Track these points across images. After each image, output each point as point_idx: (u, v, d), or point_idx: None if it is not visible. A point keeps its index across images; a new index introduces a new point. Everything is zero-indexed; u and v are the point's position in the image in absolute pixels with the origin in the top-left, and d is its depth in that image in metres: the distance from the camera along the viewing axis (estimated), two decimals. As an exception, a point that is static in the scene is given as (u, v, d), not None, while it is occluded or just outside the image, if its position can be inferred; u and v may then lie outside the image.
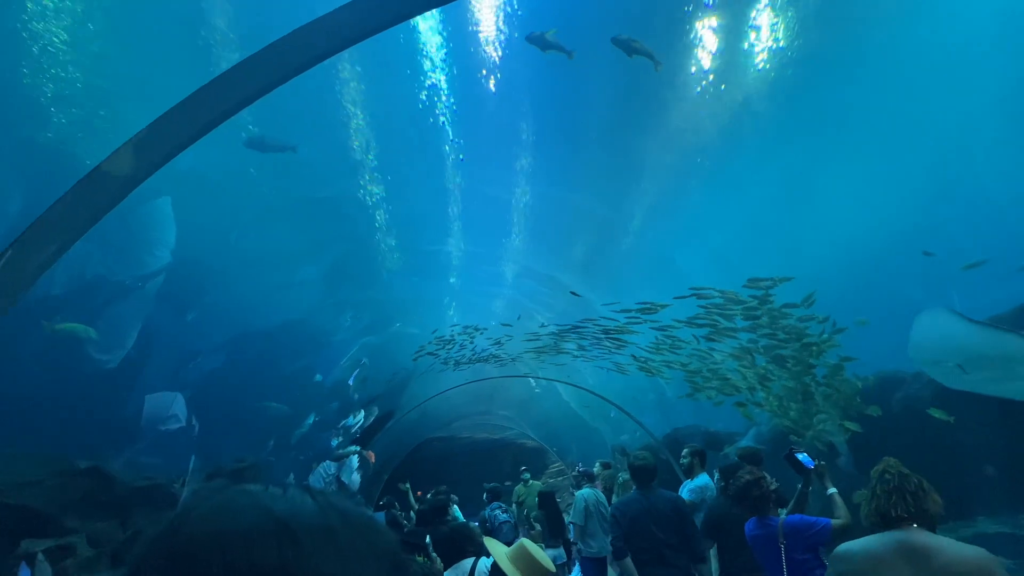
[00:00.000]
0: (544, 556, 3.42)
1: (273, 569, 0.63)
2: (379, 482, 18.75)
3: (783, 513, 4.91)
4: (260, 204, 8.83)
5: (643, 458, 6.09)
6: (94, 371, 7.74)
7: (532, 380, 17.18)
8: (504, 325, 13.00)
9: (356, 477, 14.35)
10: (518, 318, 12.51)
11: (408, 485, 13.59)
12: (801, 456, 4.94)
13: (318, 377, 12.65)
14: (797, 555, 4.43)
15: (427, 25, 7.35)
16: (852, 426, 8.90)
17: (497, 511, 11.73)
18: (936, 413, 7.90)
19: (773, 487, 4.88)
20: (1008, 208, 8.37)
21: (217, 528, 0.67)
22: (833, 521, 4.48)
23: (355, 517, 0.74)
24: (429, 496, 13.00)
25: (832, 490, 4.79)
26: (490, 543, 3.42)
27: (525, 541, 3.49)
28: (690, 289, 9.91)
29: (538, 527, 8.27)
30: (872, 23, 7.31)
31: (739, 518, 5.30)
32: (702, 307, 10.19)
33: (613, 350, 12.94)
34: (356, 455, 14.34)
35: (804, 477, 5.00)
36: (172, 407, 8.87)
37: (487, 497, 12.30)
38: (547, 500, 10.31)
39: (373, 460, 16.91)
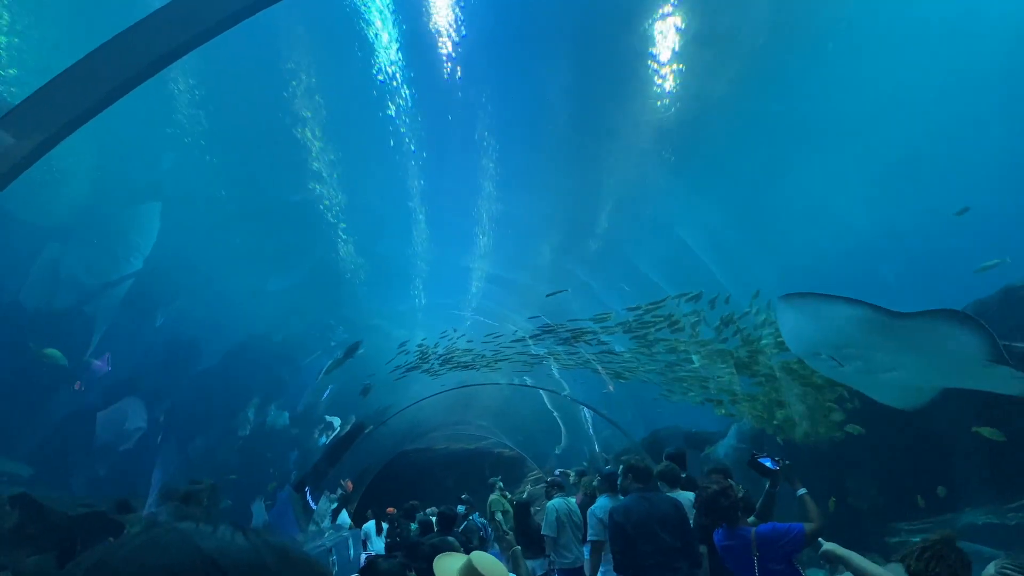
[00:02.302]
0: (498, 565, 3.26)
1: None
2: (352, 499, 18.31)
3: (751, 519, 4.81)
4: (219, 214, 8.44)
5: (641, 459, 6.02)
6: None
7: (508, 387, 16.89)
8: (494, 337, 12.78)
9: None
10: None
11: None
12: (764, 460, 4.93)
13: (284, 411, 12.28)
14: (772, 565, 4.27)
15: (380, 22, 7.08)
16: (854, 429, 8.60)
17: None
18: (986, 432, 7.37)
19: (740, 494, 4.79)
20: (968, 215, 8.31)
21: (143, 568, 0.65)
22: (806, 525, 4.30)
23: (291, 554, 0.72)
24: (397, 512, 12.78)
25: (802, 491, 4.64)
26: (441, 561, 3.11)
27: (475, 554, 3.27)
28: (627, 309, 10.67)
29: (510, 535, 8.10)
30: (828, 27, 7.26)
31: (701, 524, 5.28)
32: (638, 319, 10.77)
33: (587, 355, 12.78)
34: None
35: (771, 479, 4.90)
36: (129, 423, 8.39)
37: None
38: (522, 511, 9.95)
39: (351, 488, 16.60)
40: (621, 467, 6.23)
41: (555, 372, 14.56)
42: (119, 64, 2.12)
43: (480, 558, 3.22)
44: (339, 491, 16.86)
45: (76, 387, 7.41)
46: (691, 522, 5.64)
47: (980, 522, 7.31)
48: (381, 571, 3.41)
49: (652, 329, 11.00)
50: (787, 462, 4.91)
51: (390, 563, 3.53)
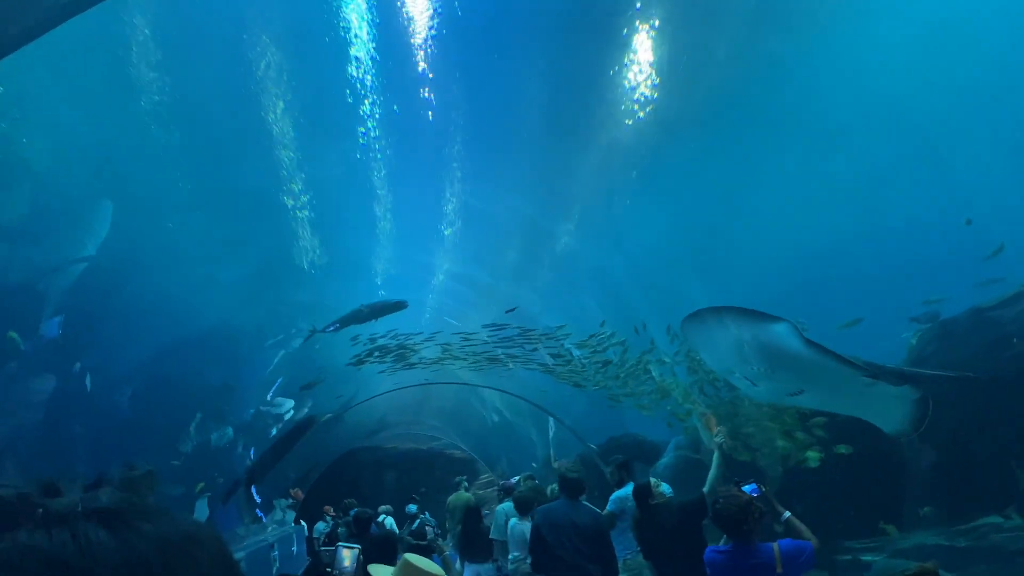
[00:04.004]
0: (432, 565, 3.30)
1: None
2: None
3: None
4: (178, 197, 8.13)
5: (575, 470, 6.17)
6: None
7: (463, 388, 16.75)
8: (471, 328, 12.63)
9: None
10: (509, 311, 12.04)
11: None
12: (747, 487, 4.78)
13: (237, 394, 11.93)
14: None
15: (354, 14, 6.93)
16: (844, 449, 8.50)
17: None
18: (842, 448, 7.99)
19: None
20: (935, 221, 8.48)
21: None
22: (813, 542, 4.28)
23: (173, 538, 0.65)
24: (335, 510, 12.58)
25: (787, 514, 4.65)
26: (374, 569, 3.05)
27: (408, 556, 3.32)
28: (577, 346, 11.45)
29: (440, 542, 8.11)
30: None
31: (666, 532, 5.50)
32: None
33: (545, 359, 12.76)
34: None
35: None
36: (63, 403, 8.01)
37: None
38: (472, 515, 9.80)
39: (301, 497, 16.32)
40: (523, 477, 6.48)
41: (512, 374, 14.48)
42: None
43: (414, 557, 3.28)
44: (290, 501, 16.62)
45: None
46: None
47: (930, 543, 7.42)
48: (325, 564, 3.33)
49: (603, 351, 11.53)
50: (765, 487, 4.86)
51: None
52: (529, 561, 6.20)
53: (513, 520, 7.70)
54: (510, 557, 7.39)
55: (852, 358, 6.90)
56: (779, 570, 4.07)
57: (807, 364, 6.91)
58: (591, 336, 11.52)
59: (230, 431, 12.14)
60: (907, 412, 7.11)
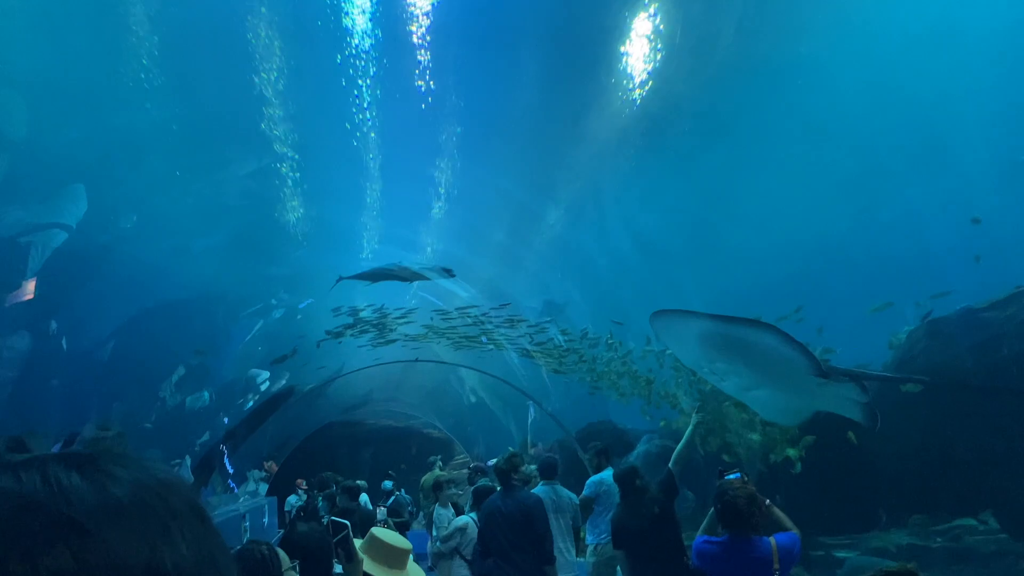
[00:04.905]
0: (398, 538, 3.34)
1: (72, 571, 0.53)
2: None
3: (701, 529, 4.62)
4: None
5: (516, 457, 6.43)
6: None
7: (443, 367, 16.67)
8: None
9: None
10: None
11: None
12: (732, 476, 4.67)
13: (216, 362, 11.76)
14: None
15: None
16: (804, 442, 8.59)
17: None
18: (791, 452, 8.23)
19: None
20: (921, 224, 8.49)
21: None
22: (796, 532, 4.19)
23: (147, 483, 0.62)
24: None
25: (767, 501, 4.49)
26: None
27: (375, 530, 3.36)
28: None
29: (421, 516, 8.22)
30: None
31: (642, 526, 5.49)
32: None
33: (526, 344, 12.70)
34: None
35: None
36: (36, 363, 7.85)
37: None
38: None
39: (275, 470, 16.20)
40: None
41: (493, 356, 14.42)
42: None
43: (381, 531, 3.33)
44: (263, 473, 16.52)
45: None
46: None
47: (904, 543, 7.43)
48: (300, 533, 3.21)
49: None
50: (746, 476, 4.69)
51: (310, 526, 3.33)
52: None
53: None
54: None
55: (820, 358, 6.94)
56: (776, 566, 3.93)
57: (765, 359, 6.93)
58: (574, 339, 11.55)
59: (205, 397, 12.00)
60: (857, 414, 7.18)
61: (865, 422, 7.16)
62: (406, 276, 10.45)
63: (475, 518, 6.84)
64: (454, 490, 9.25)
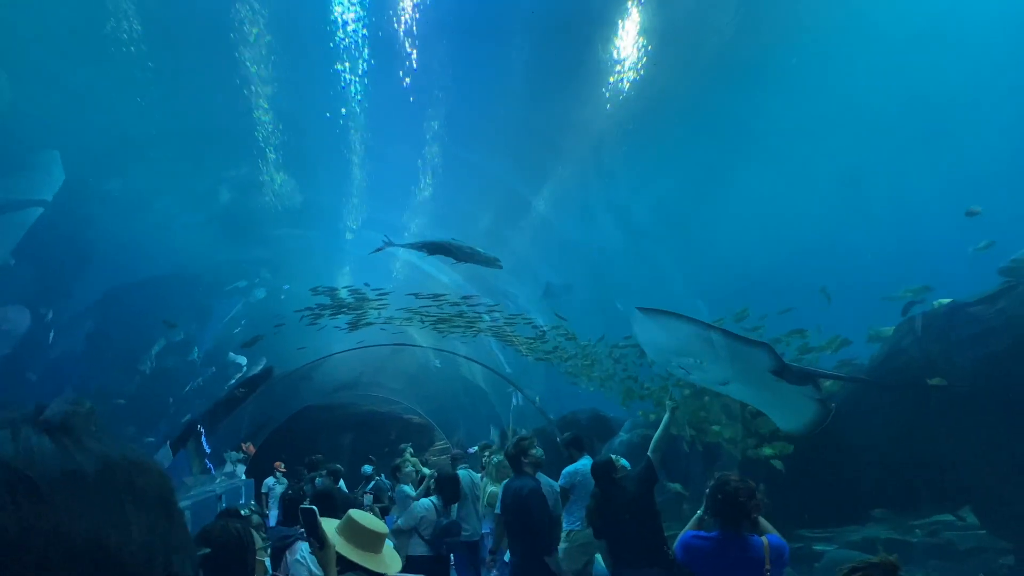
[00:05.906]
0: (375, 521, 3.34)
1: (13, 532, 0.53)
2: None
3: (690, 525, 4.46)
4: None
5: (527, 440, 6.44)
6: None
7: (425, 351, 16.58)
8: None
9: None
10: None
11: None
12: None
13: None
14: None
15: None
16: (782, 448, 8.58)
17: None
18: (767, 451, 8.41)
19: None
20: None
21: None
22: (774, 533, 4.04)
23: (115, 458, 0.62)
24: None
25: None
26: (325, 522, 3.01)
27: (352, 512, 3.31)
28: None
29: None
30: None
31: (619, 517, 5.53)
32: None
33: (507, 331, 12.65)
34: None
35: None
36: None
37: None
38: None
39: (253, 452, 16.02)
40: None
41: (475, 343, 14.34)
42: None
43: (358, 513, 3.31)
44: (241, 455, 16.34)
45: None
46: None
47: (883, 536, 7.45)
48: (216, 528, 3.21)
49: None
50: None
51: (229, 522, 3.32)
52: None
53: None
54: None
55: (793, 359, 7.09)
56: (767, 566, 3.79)
57: (731, 357, 7.06)
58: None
59: (183, 376, 11.81)
60: (812, 412, 7.29)
61: (812, 424, 7.40)
62: (459, 254, 10.06)
63: (435, 502, 7.70)
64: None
